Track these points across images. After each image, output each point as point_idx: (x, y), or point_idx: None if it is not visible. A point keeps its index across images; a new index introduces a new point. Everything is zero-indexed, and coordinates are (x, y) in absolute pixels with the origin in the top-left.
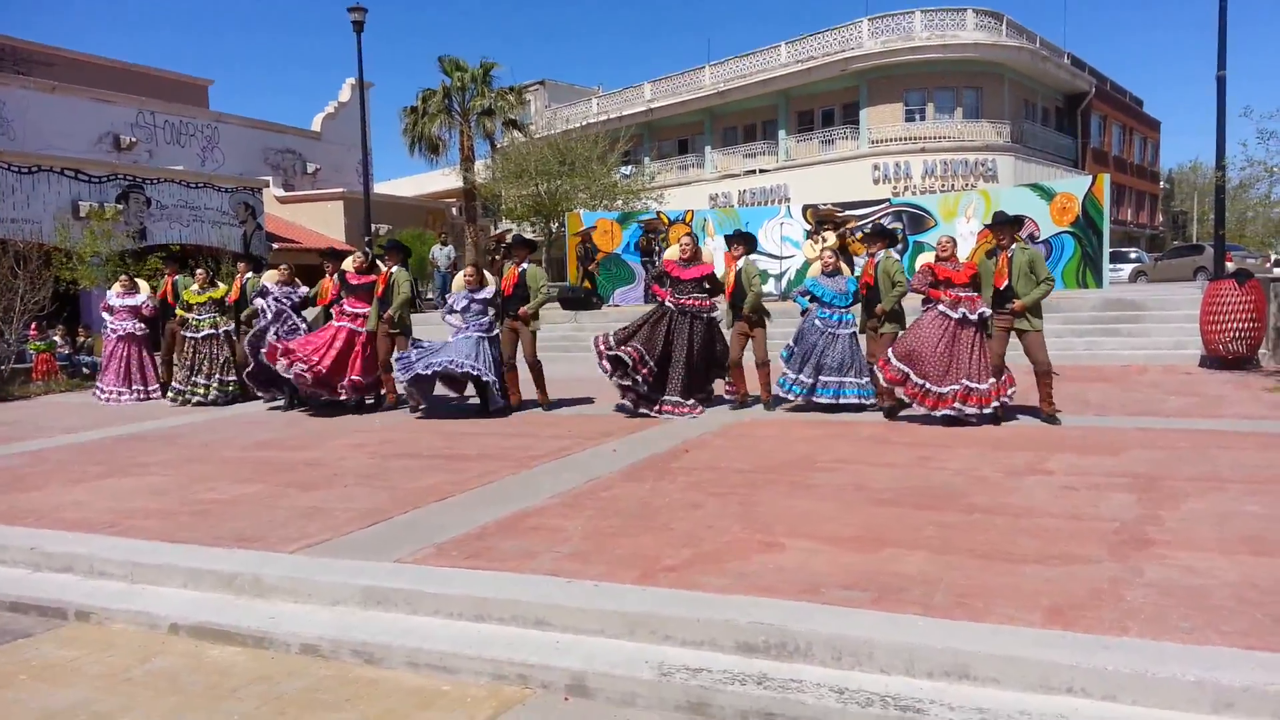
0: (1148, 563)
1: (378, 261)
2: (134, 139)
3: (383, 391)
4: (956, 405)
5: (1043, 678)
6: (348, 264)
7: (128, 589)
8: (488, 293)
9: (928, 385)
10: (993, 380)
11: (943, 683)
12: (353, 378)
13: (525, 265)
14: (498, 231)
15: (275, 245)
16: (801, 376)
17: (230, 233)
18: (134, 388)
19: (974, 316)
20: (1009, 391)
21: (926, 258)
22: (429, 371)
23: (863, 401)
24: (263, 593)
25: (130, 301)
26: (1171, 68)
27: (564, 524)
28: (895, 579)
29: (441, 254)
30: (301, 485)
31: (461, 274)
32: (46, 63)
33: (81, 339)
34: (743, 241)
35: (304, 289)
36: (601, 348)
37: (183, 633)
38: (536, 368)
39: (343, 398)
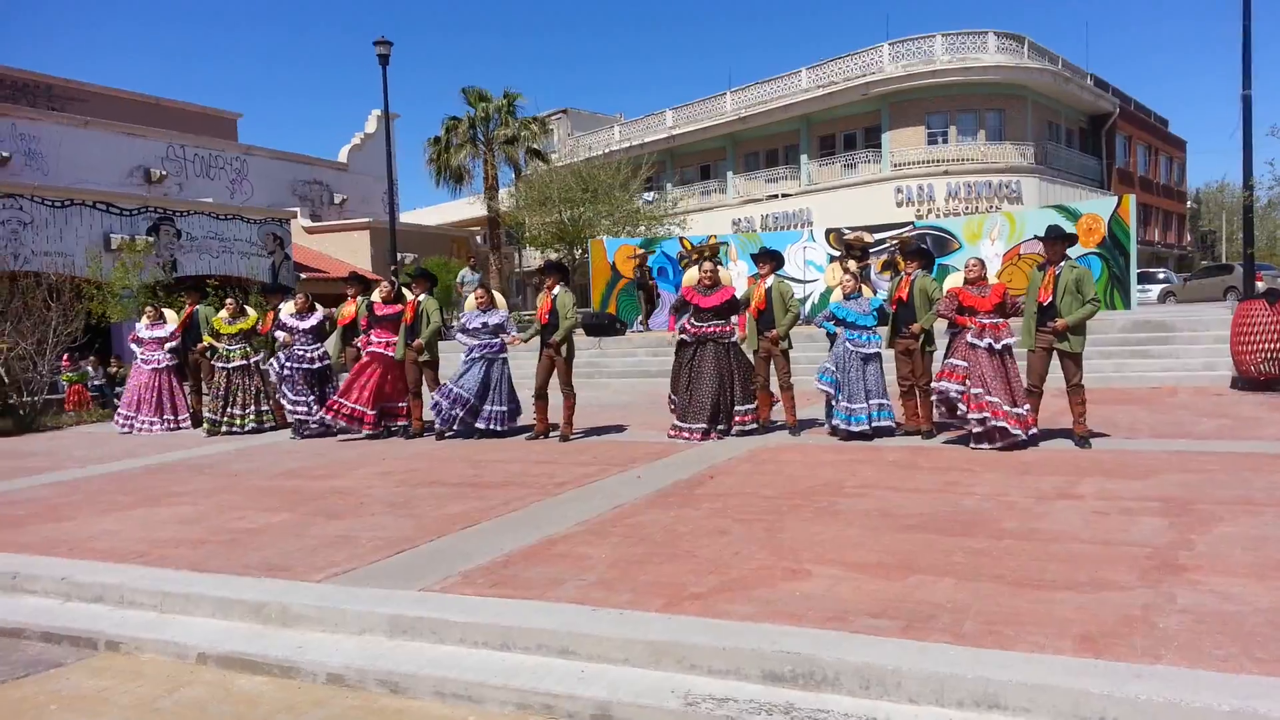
0: (1180, 589)
1: (404, 290)
2: (164, 172)
3: (405, 420)
4: (1003, 422)
5: (1074, 707)
6: (375, 295)
7: (157, 619)
8: (498, 317)
9: (983, 393)
10: (1028, 406)
11: (973, 713)
12: (383, 406)
13: (556, 290)
14: (544, 258)
15: (303, 275)
16: (856, 405)
17: (259, 263)
18: (165, 418)
19: (999, 346)
20: (1035, 422)
21: (955, 280)
22: (455, 424)
23: (891, 424)
24: (289, 622)
25: (158, 333)
26: (1196, 87)
27: (589, 551)
28: (924, 606)
29: (470, 279)
30: (329, 514)
31: (473, 295)
32: (79, 98)
33: (115, 369)
34: (771, 259)
35: (318, 314)
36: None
37: (211, 662)
38: (568, 397)
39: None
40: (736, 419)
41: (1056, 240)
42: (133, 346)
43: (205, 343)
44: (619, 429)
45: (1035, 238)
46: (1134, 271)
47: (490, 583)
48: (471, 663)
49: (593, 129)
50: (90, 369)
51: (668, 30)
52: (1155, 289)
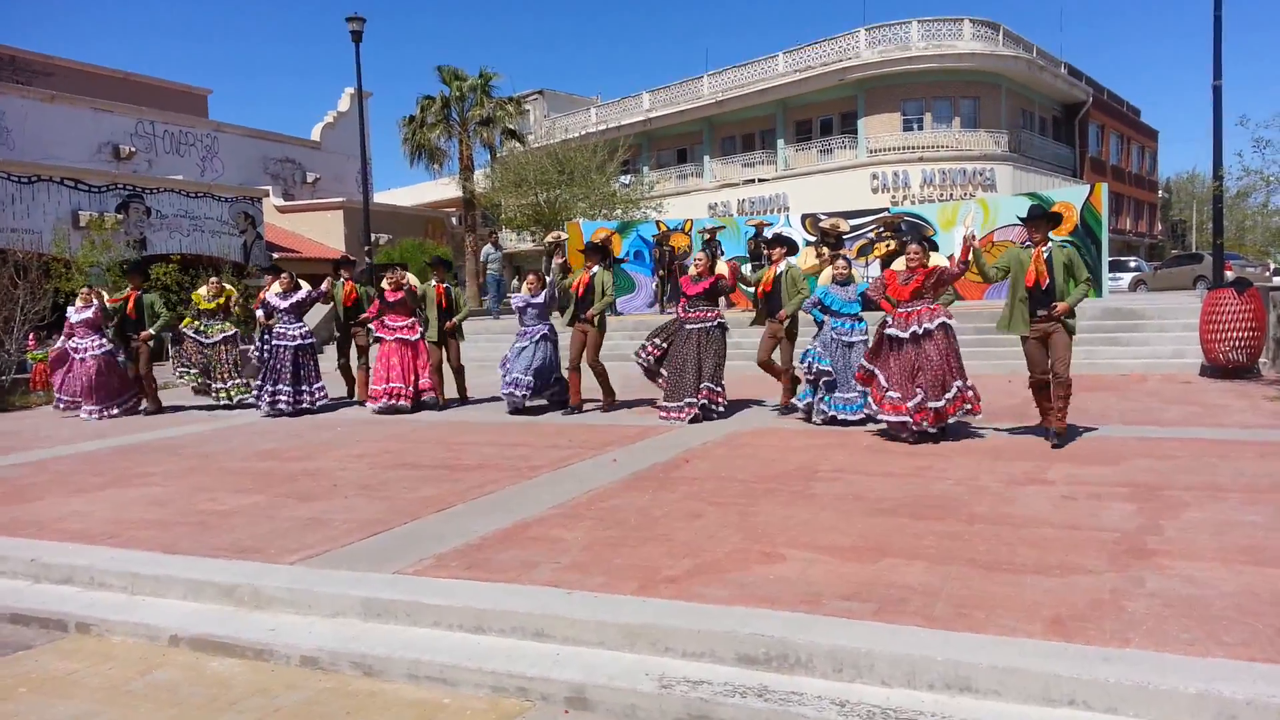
0: (1148, 573)
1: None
2: (133, 148)
3: (432, 395)
4: (910, 418)
5: (1044, 690)
6: (384, 283)
7: (128, 600)
8: (545, 296)
9: (890, 391)
10: (958, 385)
11: (944, 695)
12: (421, 385)
13: (595, 269)
14: (555, 234)
15: (275, 255)
16: (850, 394)
17: (230, 242)
18: (101, 404)
19: (933, 327)
20: (962, 409)
21: (899, 265)
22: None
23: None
24: (262, 604)
25: (88, 314)
26: (1168, 77)
27: (564, 535)
28: (896, 589)
29: (494, 256)
30: (301, 496)
31: (525, 281)
32: (46, 72)
33: None
34: (784, 244)
35: (300, 293)
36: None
37: (183, 644)
38: (599, 371)
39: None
40: (703, 393)
41: (1040, 220)
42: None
43: (148, 332)
44: (595, 412)
45: (1018, 219)
46: (1105, 260)
47: (464, 565)
48: (445, 645)
49: (569, 111)
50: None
51: (645, 12)
52: (1126, 277)
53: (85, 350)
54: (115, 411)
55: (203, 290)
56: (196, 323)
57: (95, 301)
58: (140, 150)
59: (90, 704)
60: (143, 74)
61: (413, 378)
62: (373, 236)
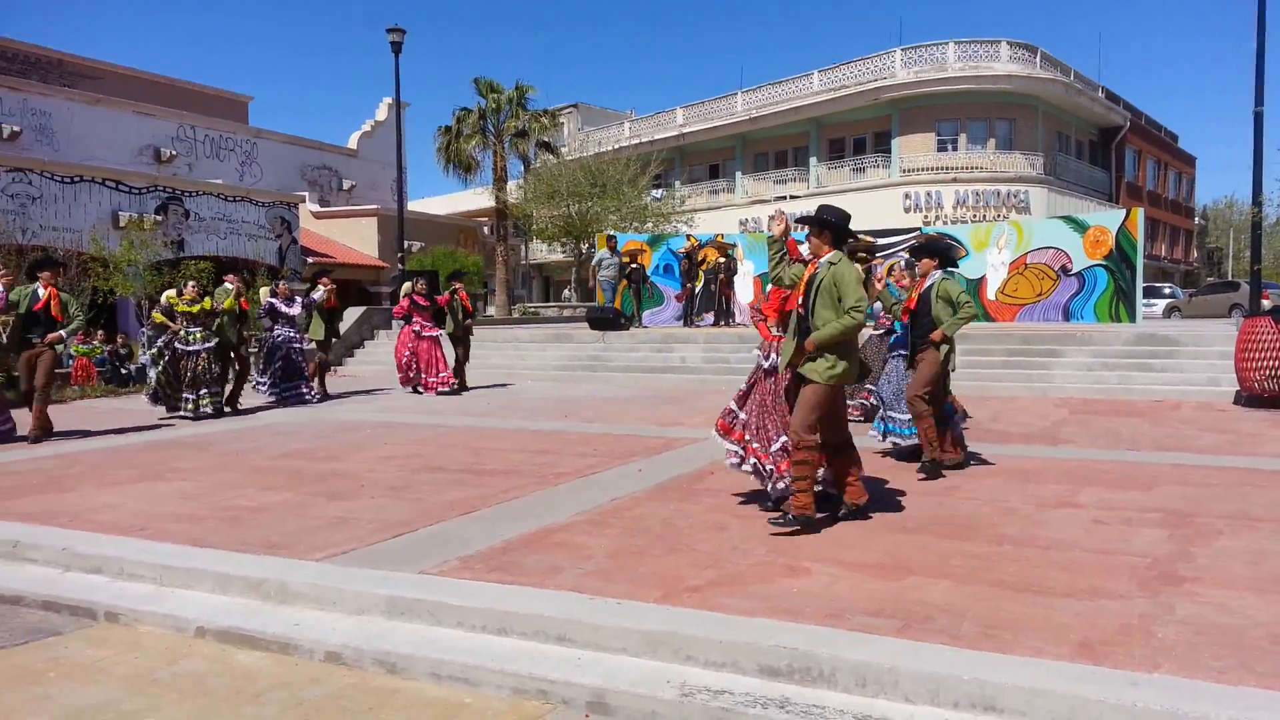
0: (1179, 600)
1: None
2: (174, 152)
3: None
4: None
5: (1070, 713)
6: (407, 287)
7: (156, 591)
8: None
9: (749, 438)
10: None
11: (969, 714)
12: (441, 375)
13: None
14: (690, 239)
15: (310, 260)
16: (903, 416)
17: (266, 246)
18: None
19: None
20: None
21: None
22: None
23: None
24: (288, 599)
25: None
26: (1207, 102)
27: (588, 541)
28: (921, 607)
29: (609, 261)
30: (330, 495)
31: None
32: (91, 75)
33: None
34: (931, 254)
35: (298, 303)
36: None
37: (209, 636)
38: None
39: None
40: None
41: (924, 251)
42: None
43: (60, 333)
44: (621, 422)
45: (910, 250)
46: (1139, 285)
47: (489, 568)
48: (468, 646)
49: (603, 124)
50: (97, 343)
51: (680, 29)
52: (1160, 304)
53: None
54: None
55: (171, 292)
56: (171, 326)
57: None
58: (181, 154)
59: (117, 691)
60: (186, 79)
61: (433, 368)
62: (406, 244)
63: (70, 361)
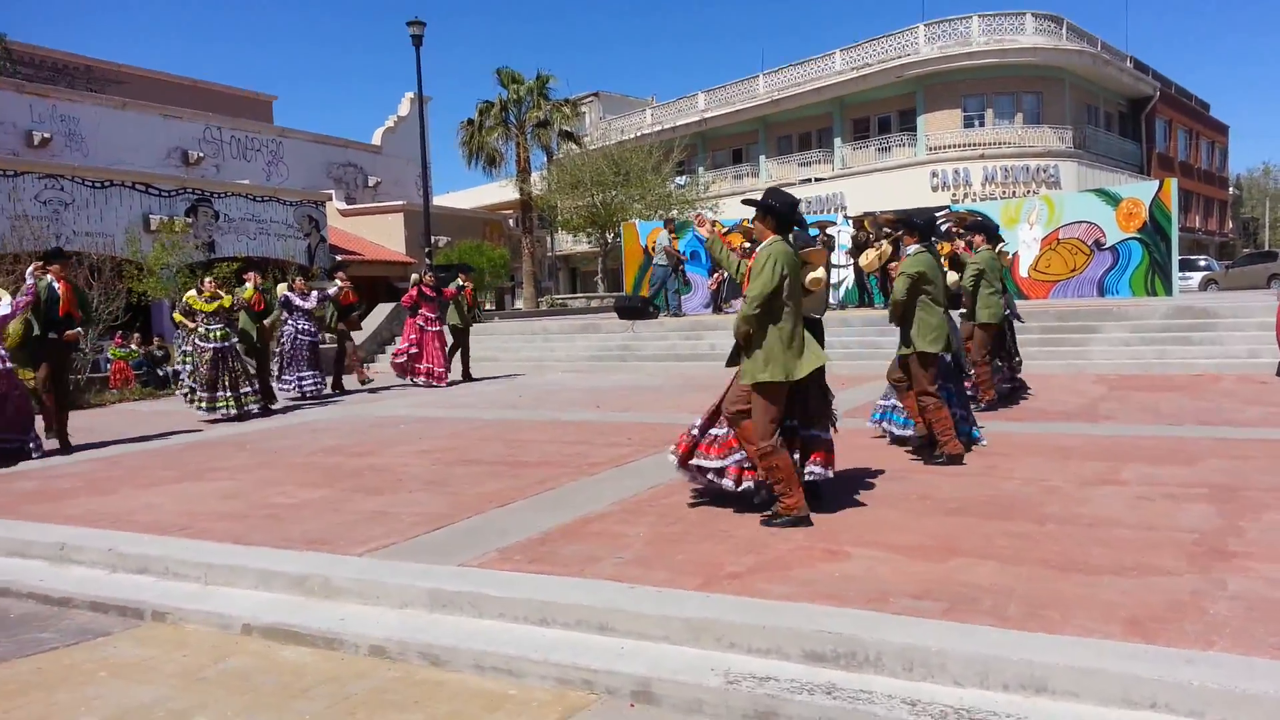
0: (1230, 575)
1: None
2: (202, 154)
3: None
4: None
5: (1124, 692)
6: (414, 277)
7: (201, 590)
8: None
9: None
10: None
11: (1019, 695)
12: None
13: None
14: (885, 214)
15: (338, 257)
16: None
17: (295, 245)
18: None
19: None
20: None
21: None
22: None
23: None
24: (332, 594)
25: None
26: (1239, 70)
27: (626, 530)
28: (966, 589)
29: (665, 242)
30: (368, 490)
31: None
32: (118, 80)
33: (155, 348)
34: (912, 228)
35: (314, 295)
36: None
37: (255, 633)
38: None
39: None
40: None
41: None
42: None
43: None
44: (653, 411)
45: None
46: (1175, 258)
47: (528, 559)
48: (510, 637)
49: (624, 112)
50: (134, 346)
51: (699, 12)
52: (1196, 276)
53: None
54: (34, 447)
55: (196, 289)
56: (199, 327)
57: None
58: (208, 155)
59: (166, 689)
60: (211, 81)
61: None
62: (432, 238)
63: (108, 365)
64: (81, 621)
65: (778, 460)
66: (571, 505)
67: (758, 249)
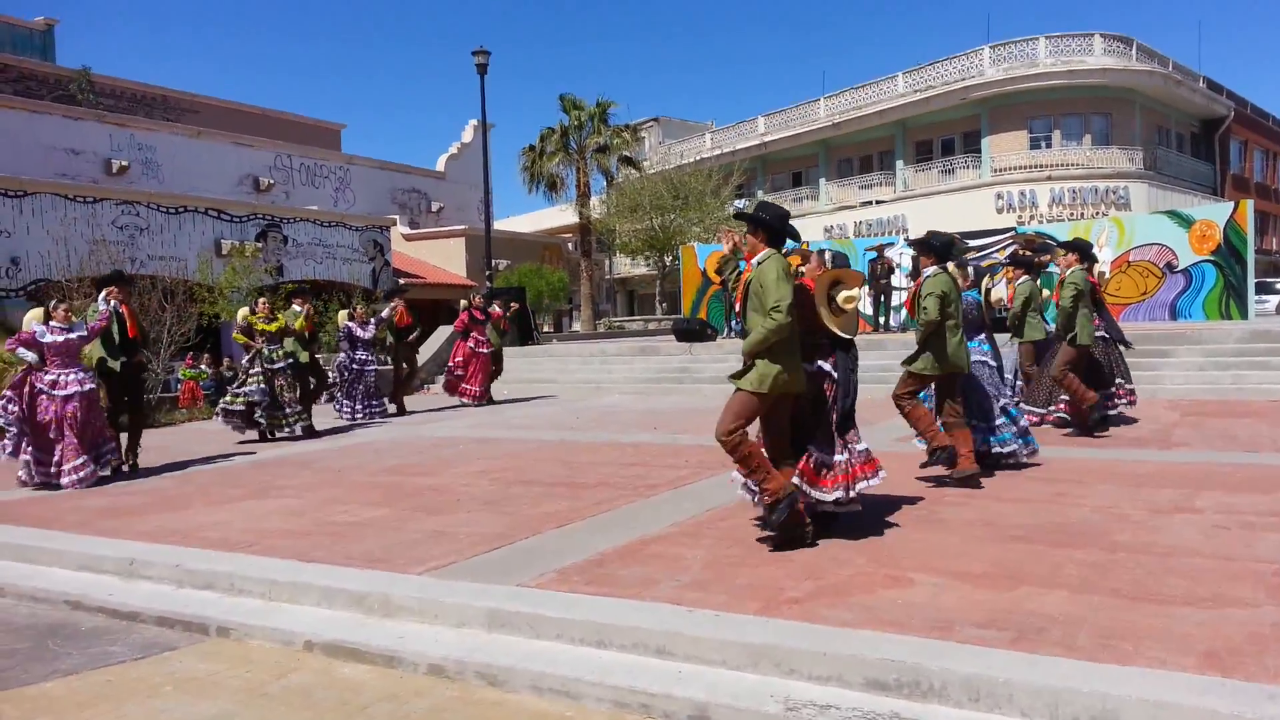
0: None
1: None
2: (272, 180)
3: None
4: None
5: None
6: (464, 301)
7: (265, 606)
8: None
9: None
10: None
11: None
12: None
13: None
14: (1031, 235)
15: (401, 280)
16: (1000, 422)
17: (360, 269)
18: (89, 459)
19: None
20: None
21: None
22: None
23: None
24: (391, 612)
25: (74, 335)
26: None
27: (684, 553)
28: (1034, 618)
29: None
30: (427, 509)
31: None
32: (192, 109)
33: (224, 369)
34: (929, 250)
35: (373, 323)
36: None
37: (316, 650)
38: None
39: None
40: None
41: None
42: (22, 352)
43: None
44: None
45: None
46: (1251, 281)
47: (585, 580)
48: (568, 659)
49: (684, 137)
50: (205, 367)
51: (760, 36)
52: (1273, 300)
53: (65, 385)
54: (106, 471)
55: (243, 310)
56: (252, 344)
57: (77, 321)
58: (278, 182)
59: (230, 704)
60: (281, 110)
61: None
62: (493, 262)
63: (178, 385)
64: (149, 636)
65: (748, 447)
66: (629, 527)
67: (753, 261)
